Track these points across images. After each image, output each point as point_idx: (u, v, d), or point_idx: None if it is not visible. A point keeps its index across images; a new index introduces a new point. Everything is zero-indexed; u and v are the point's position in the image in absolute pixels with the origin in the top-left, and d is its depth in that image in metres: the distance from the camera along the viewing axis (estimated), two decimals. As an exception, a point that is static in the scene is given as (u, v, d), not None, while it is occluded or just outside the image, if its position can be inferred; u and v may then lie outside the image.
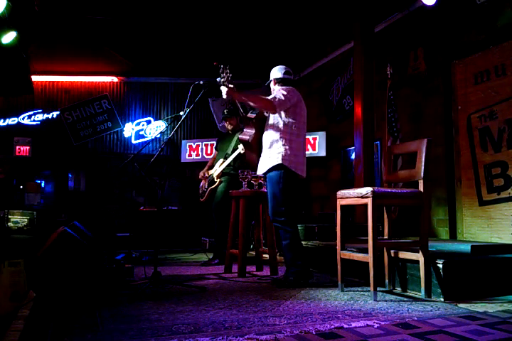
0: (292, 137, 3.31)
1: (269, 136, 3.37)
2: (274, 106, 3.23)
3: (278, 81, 3.51)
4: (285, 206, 3.25)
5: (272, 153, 3.31)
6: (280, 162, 3.25)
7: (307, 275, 3.25)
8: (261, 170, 3.41)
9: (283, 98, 3.25)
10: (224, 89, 3.26)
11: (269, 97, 3.27)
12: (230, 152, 4.58)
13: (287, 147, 3.28)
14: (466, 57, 4.79)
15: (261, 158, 3.43)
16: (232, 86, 3.26)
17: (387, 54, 5.79)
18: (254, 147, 3.50)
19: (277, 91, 3.35)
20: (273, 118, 3.38)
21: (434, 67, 5.18)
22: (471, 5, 4.60)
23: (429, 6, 4.75)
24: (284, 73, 3.52)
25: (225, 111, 4.81)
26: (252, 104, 3.28)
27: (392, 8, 5.73)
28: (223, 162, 4.58)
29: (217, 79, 3.48)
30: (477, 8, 4.57)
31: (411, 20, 5.53)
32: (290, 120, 3.32)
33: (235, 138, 4.56)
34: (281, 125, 3.32)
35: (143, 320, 2.20)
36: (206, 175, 4.77)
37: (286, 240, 3.26)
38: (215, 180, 4.60)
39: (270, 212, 3.34)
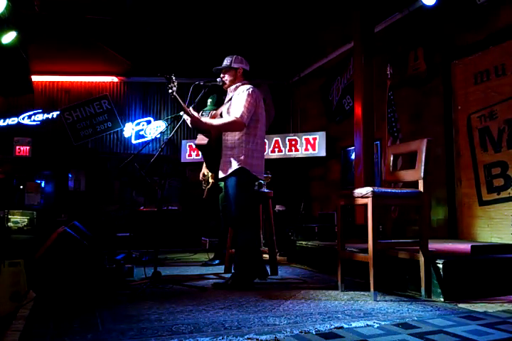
0: (252, 139, 3.22)
1: (228, 138, 3.25)
2: (244, 124, 3.14)
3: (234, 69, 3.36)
4: (244, 210, 3.18)
5: (233, 156, 3.20)
6: (241, 166, 3.16)
7: (244, 282, 3.15)
8: (222, 173, 3.27)
9: (247, 113, 3.13)
10: (188, 119, 3.21)
11: (234, 115, 3.14)
12: None
13: (248, 149, 3.19)
14: (466, 57, 4.79)
15: (221, 161, 3.27)
16: (195, 114, 3.20)
17: (387, 54, 5.78)
18: (215, 149, 3.31)
19: (241, 103, 3.16)
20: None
21: (434, 67, 5.18)
22: (471, 5, 4.60)
23: (429, 6, 4.75)
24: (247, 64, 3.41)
25: (209, 101, 4.55)
26: (220, 129, 3.20)
27: (392, 8, 5.73)
28: None
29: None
30: (477, 8, 4.57)
31: (411, 20, 5.53)
32: (250, 122, 3.22)
33: None
34: (242, 131, 3.21)
35: (143, 320, 2.19)
36: (205, 173, 4.72)
37: (240, 243, 3.23)
38: (210, 180, 4.55)
39: (231, 215, 3.26)
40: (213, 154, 3.28)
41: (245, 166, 3.17)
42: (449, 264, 2.77)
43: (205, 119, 3.26)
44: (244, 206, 3.19)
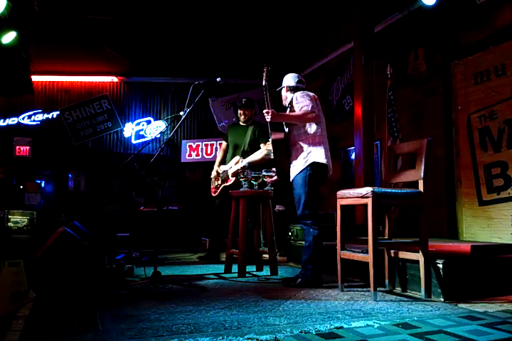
0: (321, 139, 3.34)
1: (298, 142, 3.37)
2: (315, 114, 3.26)
3: (290, 88, 3.56)
4: (311, 209, 3.23)
5: (304, 156, 3.30)
6: (313, 160, 3.25)
7: (315, 282, 3.20)
8: (292, 175, 3.37)
9: (311, 104, 3.28)
10: (268, 116, 3.29)
11: (302, 110, 3.28)
12: (246, 148, 4.43)
13: (319, 147, 3.29)
14: (466, 57, 4.78)
15: (292, 166, 3.37)
16: (273, 110, 3.31)
17: (387, 54, 5.78)
18: (287, 145, 3.45)
19: (300, 101, 3.32)
20: (299, 126, 3.39)
21: (434, 67, 5.18)
22: (471, 5, 4.60)
23: (429, 5, 4.75)
24: (297, 82, 3.57)
25: (244, 100, 4.66)
26: (295, 122, 3.36)
27: (392, 8, 5.73)
28: (239, 160, 4.39)
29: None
30: (477, 8, 4.57)
31: (411, 20, 5.53)
32: (315, 124, 3.36)
33: (249, 132, 4.48)
34: (309, 129, 3.35)
35: (143, 320, 2.20)
36: (220, 171, 4.57)
37: (307, 242, 3.26)
38: (230, 177, 4.41)
39: (298, 215, 3.31)
40: (285, 150, 3.40)
41: (317, 160, 3.26)
42: (449, 264, 2.77)
43: (283, 113, 3.43)
44: (313, 203, 3.24)
